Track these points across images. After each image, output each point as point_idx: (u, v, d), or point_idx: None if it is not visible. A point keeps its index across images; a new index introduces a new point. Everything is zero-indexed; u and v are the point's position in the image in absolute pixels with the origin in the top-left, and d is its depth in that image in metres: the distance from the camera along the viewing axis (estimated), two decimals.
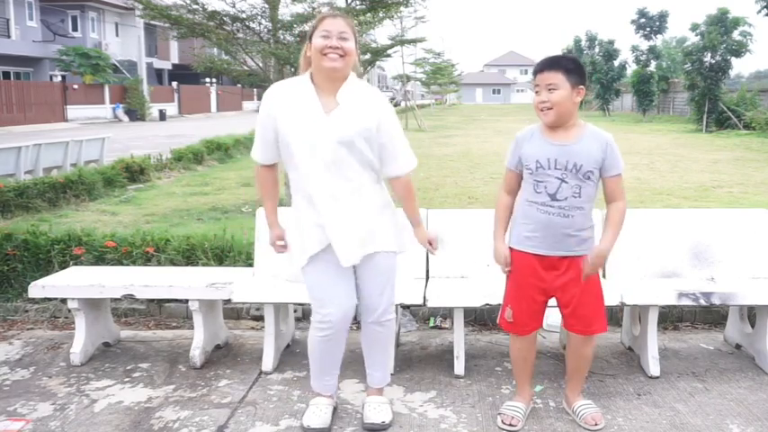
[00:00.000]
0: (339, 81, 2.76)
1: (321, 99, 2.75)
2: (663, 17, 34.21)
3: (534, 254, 2.87)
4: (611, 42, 40.40)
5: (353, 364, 3.64)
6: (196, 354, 3.67)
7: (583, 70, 2.82)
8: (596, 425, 2.95)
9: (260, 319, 4.29)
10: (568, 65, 2.79)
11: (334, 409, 3.07)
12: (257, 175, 3.00)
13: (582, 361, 3.04)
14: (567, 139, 2.80)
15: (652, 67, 35.65)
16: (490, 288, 3.53)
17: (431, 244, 3.03)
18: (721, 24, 25.55)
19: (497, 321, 3.11)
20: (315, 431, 2.91)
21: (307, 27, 8.00)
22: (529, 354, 3.05)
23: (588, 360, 3.07)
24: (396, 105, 36.02)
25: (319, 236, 2.80)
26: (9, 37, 31.88)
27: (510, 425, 2.95)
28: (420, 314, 4.44)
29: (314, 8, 7.90)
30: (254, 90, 48.44)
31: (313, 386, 3.08)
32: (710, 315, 4.36)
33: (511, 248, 2.95)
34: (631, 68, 38.00)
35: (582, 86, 2.80)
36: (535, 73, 2.84)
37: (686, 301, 3.48)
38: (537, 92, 2.81)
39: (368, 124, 2.75)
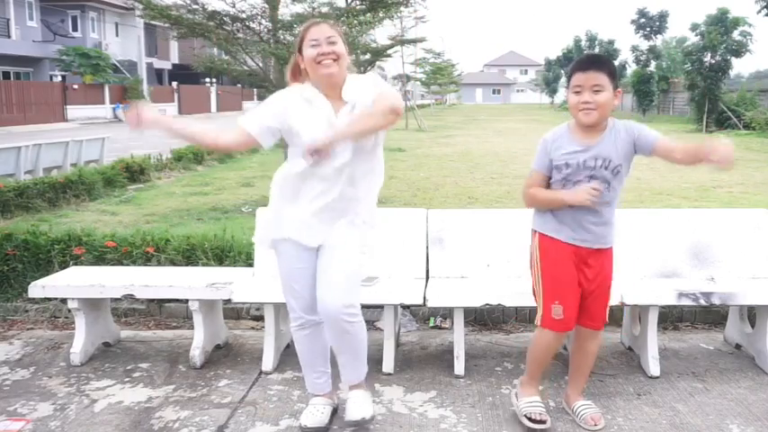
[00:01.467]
0: (339, 86, 2.77)
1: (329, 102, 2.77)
2: (663, 17, 34.25)
3: (569, 243, 2.85)
4: (611, 42, 40.49)
5: None
6: (196, 354, 3.67)
7: (617, 73, 2.82)
8: (596, 425, 2.95)
9: (260, 319, 4.29)
10: (611, 67, 2.76)
11: (334, 410, 3.06)
12: (233, 139, 2.79)
13: (587, 358, 3.04)
14: (595, 139, 2.78)
15: (652, 67, 35.69)
16: (490, 288, 3.53)
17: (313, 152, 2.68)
18: (721, 24, 25.56)
19: (539, 323, 2.90)
20: (311, 431, 2.91)
21: None
22: (556, 351, 3.05)
23: (593, 357, 3.07)
24: None
25: (306, 230, 2.81)
26: (9, 37, 31.87)
27: (541, 420, 2.91)
28: (420, 314, 4.44)
29: (314, 8, 7.90)
30: (254, 90, 48.54)
31: (306, 386, 3.09)
32: (710, 315, 4.36)
33: (543, 235, 2.91)
34: (631, 68, 38.06)
35: (619, 89, 2.79)
36: (575, 71, 2.76)
37: (686, 301, 3.48)
38: (578, 92, 2.73)
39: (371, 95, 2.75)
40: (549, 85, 66.64)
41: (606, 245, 2.90)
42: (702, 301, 3.47)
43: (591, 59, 2.81)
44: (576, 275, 2.87)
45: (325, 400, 3.03)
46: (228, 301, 3.65)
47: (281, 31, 8.00)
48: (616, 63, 39.64)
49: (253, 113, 2.81)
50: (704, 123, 25.79)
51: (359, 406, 2.90)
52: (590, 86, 2.71)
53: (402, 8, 9.22)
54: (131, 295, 3.70)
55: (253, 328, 4.36)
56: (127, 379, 3.53)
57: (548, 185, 2.89)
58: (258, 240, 3.03)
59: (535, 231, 2.96)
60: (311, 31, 2.73)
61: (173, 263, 4.62)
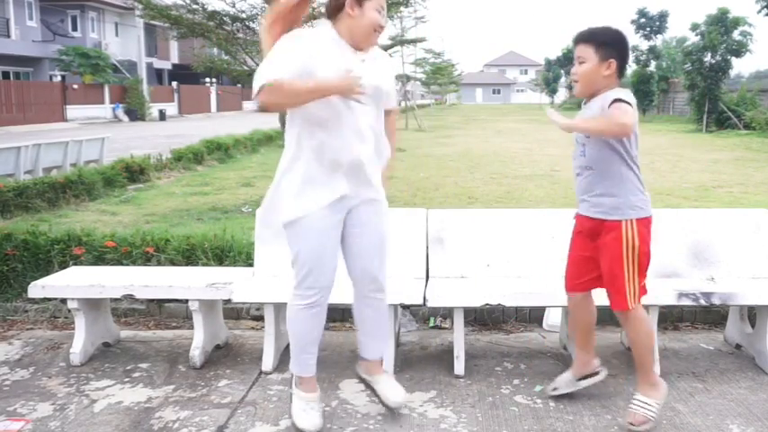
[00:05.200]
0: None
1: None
2: (663, 17, 34.29)
3: (579, 213, 3.03)
4: None
5: (354, 364, 3.64)
6: (196, 354, 3.67)
7: (621, 43, 2.82)
8: (632, 425, 2.90)
9: (260, 319, 4.29)
10: (602, 37, 2.81)
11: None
12: (280, 86, 2.61)
13: (632, 344, 3.03)
14: (586, 107, 2.91)
15: (652, 67, 35.71)
16: (490, 288, 3.53)
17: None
18: (721, 24, 25.55)
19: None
20: None
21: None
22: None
23: (634, 342, 2.98)
24: None
25: (334, 185, 2.80)
26: (9, 37, 31.88)
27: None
28: (420, 314, 4.44)
29: (313, 8, 7.88)
30: None
31: (295, 369, 3.01)
32: (710, 315, 4.36)
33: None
34: (631, 68, 38.04)
35: (613, 59, 2.77)
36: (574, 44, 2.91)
37: (686, 301, 3.48)
38: (574, 63, 2.89)
39: (389, 80, 2.97)
40: (549, 85, 66.64)
41: (604, 216, 2.85)
42: (702, 302, 3.47)
43: (579, 33, 2.87)
44: (581, 247, 3.03)
45: (316, 396, 3.02)
46: (228, 301, 3.65)
47: None
48: None
49: (273, 64, 2.64)
50: (704, 123, 25.78)
51: (393, 388, 3.03)
52: (576, 58, 2.85)
53: (402, 8, 9.21)
54: (131, 295, 3.70)
55: (253, 328, 4.36)
56: (127, 379, 3.53)
57: None
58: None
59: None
60: None
61: (172, 263, 4.62)
